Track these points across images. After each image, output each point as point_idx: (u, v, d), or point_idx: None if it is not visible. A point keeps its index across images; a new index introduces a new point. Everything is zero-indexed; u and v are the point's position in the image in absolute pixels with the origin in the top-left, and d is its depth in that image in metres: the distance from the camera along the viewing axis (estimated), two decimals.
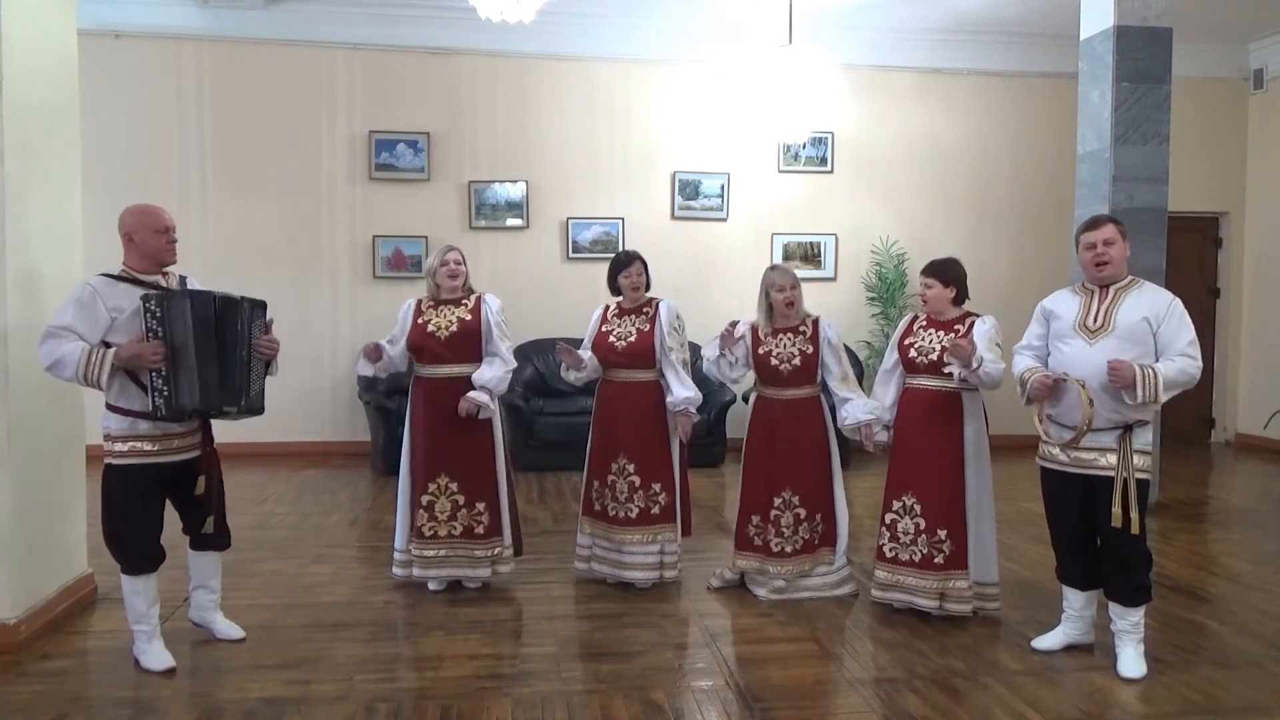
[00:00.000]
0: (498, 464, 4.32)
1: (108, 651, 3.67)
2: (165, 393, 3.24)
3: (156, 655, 3.45)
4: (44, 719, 3.09)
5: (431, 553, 4.25)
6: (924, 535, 3.96)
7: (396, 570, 4.39)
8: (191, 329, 3.24)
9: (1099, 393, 3.37)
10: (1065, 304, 3.60)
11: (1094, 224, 3.57)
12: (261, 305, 3.53)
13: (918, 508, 3.98)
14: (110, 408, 3.35)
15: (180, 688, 3.34)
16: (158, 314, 3.23)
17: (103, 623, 3.98)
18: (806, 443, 4.27)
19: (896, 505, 4.03)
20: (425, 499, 4.23)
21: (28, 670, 3.47)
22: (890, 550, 4.04)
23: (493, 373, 4.22)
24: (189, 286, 3.49)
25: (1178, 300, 3.46)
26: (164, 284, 3.42)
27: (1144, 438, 3.47)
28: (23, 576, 3.73)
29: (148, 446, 3.34)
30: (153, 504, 3.42)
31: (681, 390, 4.29)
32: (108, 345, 3.26)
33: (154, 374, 3.23)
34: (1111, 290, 3.51)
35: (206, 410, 3.36)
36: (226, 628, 3.71)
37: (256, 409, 3.49)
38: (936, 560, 3.94)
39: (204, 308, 3.30)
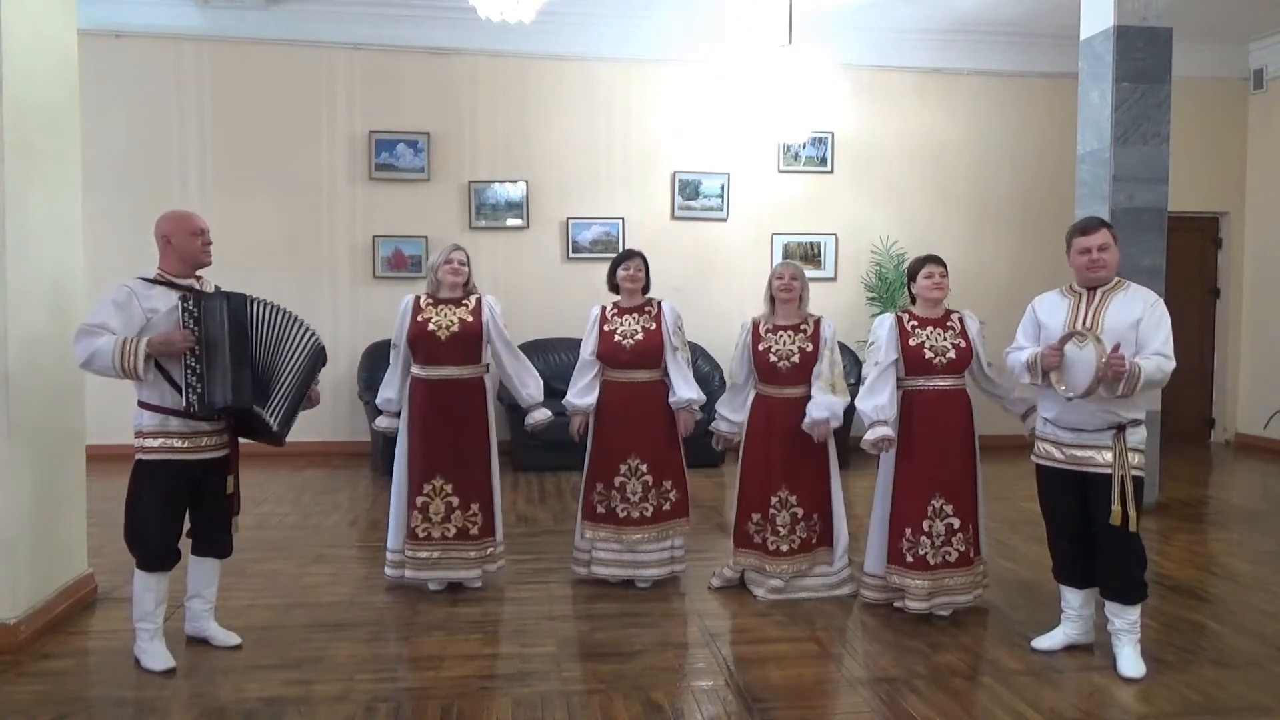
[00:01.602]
0: (492, 465, 4.35)
1: (108, 651, 3.67)
2: (199, 389, 3.30)
3: (157, 655, 3.46)
4: (44, 719, 3.09)
5: (425, 554, 4.24)
6: (959, 534, 3.97)
7: (389, 570, 4.38)
8: (227, 328, 3.33)
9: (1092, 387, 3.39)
10: (1054, 310, 3.62)
11: (1088, 229, 3.57)
12: (325, 360, 3.65)
13: (949, 508, 3.97)
14: (142, 405, 3.42)
15: (180, 688, 3.34)
16: (195, 313, 3.32)
17: (103, 623, 3.97)
18: (803, 442, 4.25)
19: (930, 510, 3.97)
20: (420, 500, 4.23)
21: (28, 670, 3.47)
22: (933, 558, 3.95)
23: (538, 385, 4.46)
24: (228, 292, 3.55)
25: (1160, 300, 3.51)
26: (198, 287, 3.51)
27: (1138, 435, 3.48)
28: (23, 576, 3.72)
29: (178, 443, 3.40)
30: (177, 501, 3.47)
31: (686, 390, 4.36)
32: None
33: (189, 370, 3.30)
34: (1099, 293, 3.54)
35: (238, 408, 3.40)
36: (224, 636, 3.70)
37: (283, 436, 3.50)
38: (970, 554, 4.00)
39: (240, 310, 3.40)
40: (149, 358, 3.27)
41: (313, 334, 3.56)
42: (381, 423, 4.45)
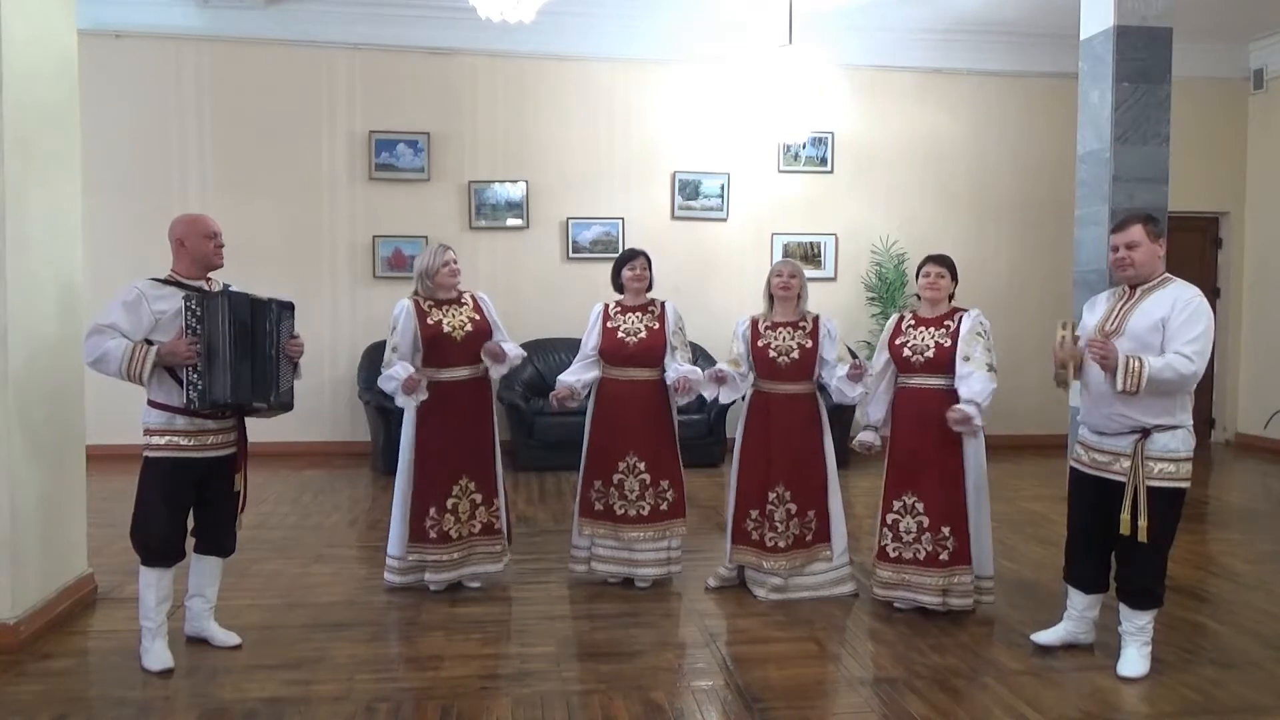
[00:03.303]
0: (499, 460, 4.44)
1: (108, 651, 3.67)
2: (200, 386, 3.37)
3: (156, 655, 3.47)
4: (44, 719, 3.09)
5: (458, 554, 4.28)
6: (928, 533, 3.97)
7: (392, 577, 4.34)
8: (227, 328, 3.40)
9: (1101, 391, 3.37)
10: (1096, 311, 3.58)
11: (1119, 225, 3.48)
12: (289, 306, 3.68)
13: (919, 506, 3.99)
14: (151, 403, 3.47)
15: (180, 688, 3.34)
16: (197, 313, 3.39)
17: (103, 623, 3.98)
18: (801, 439, 4.27)
19: (898, 505, 4.04)
20: (450, 502, 4.25)
21: (28, 670, 3.47)
22: (894, 550, 4.04)
23: (517, 351, 4.39)
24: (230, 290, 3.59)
25: (1199, 297, 3.33)
26: (206, 288, 3.55)
27: (1166, 443, 3.34)
28: (23, 576, 3.72)
29: (183, 441, 3.46)
30: (181, 498, 3.50)
31: (679, 366, 4.34)
32: (150, 344, 3.38)
33: (190, 369, 3.36)
34: (1137, 292, 3.44)
35: (238, 404, 3.47)
36: (224, 636, 3.71)
37: (287, 405, 3.64)
38: (941, 557, 3.96)
39: (240, 308, 3.46)
40: (155, 367, 3.34)
41: (263, 301, 3.55)
42: (403, 398, 4.11)
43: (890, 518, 4.06)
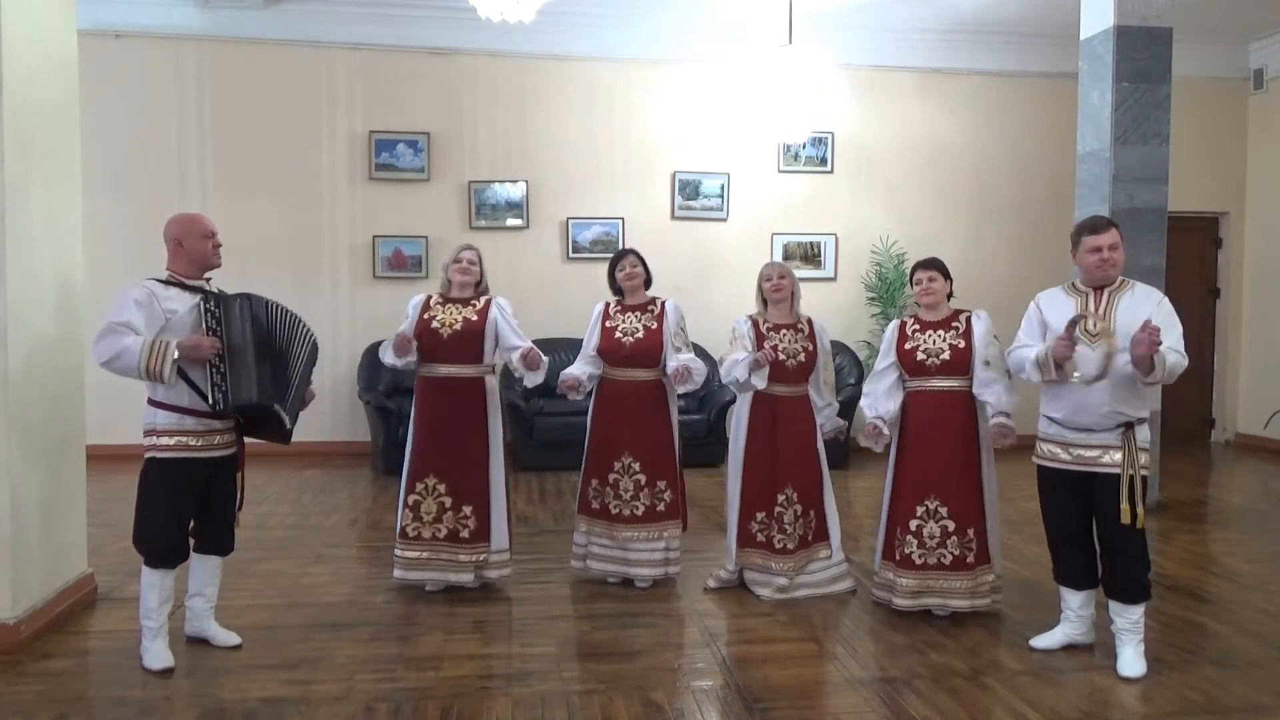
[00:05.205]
0: (492, 466, 4.26)
1: (108, 651, 3.67)
2: (224, 388, 3.37)
3: (156, 655, 3.46)
4: (44, 719, 3.09)
5: (414, 554, 4.22)
6: (954, 537, 3.93)
7: (398, 572, 4.33)
8: (250, 329, 3.42)
9: (1106, 391, 3.39)
10: (1061, 310, 3.58)
11: (1098, 227, 3.54)
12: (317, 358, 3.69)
13: (944, 510, 3.94)
14: (155, 404, 3.44)
15: (180, 688, 3.34)
16: (216, 314, 3.40)
17: (103, 623, 3.98)
18: (804, 440, 4.30)
19: (920, 510, 3.96)
20: (412, 499, 4.23)
21: (28, 670, 3.47)
22: (919, 557, 3.95)
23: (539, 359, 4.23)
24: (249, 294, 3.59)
25: (1166, 298, 3.53)
26: (206, 288, 3.54)
27: (1145, 434, 3.49)
28: (23, 576, 3.72)
29: (192, 441, 3.45)
30: (187, 498, 3.49)
31: (679, 356, 4.31)
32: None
33: (214, 370, 3.36)
34: (1106, 293, 3.53)
35: (261, 405, 3.45)
36: (224, 636, 3.71)
37: (288, 433, 3.56)
38: (969, 560, 3.95)
39: (259, 310, 3.48)
40: (174, 363, 3.29)
41: (311, 331, 3.64)
42: (390, 355, 4.16)
43: (914, 524, 3.97)
